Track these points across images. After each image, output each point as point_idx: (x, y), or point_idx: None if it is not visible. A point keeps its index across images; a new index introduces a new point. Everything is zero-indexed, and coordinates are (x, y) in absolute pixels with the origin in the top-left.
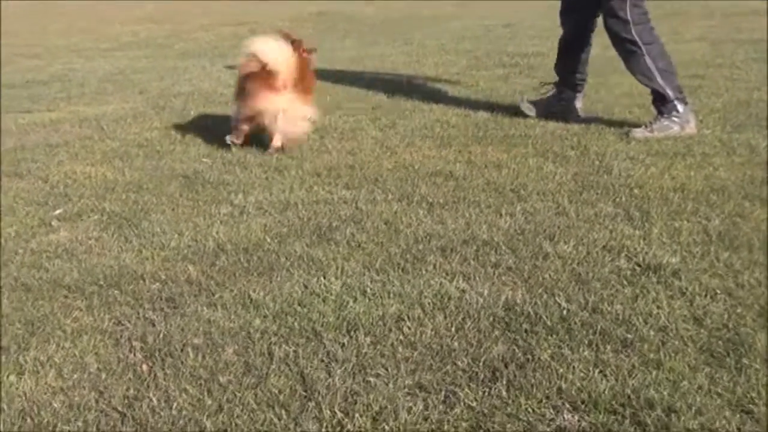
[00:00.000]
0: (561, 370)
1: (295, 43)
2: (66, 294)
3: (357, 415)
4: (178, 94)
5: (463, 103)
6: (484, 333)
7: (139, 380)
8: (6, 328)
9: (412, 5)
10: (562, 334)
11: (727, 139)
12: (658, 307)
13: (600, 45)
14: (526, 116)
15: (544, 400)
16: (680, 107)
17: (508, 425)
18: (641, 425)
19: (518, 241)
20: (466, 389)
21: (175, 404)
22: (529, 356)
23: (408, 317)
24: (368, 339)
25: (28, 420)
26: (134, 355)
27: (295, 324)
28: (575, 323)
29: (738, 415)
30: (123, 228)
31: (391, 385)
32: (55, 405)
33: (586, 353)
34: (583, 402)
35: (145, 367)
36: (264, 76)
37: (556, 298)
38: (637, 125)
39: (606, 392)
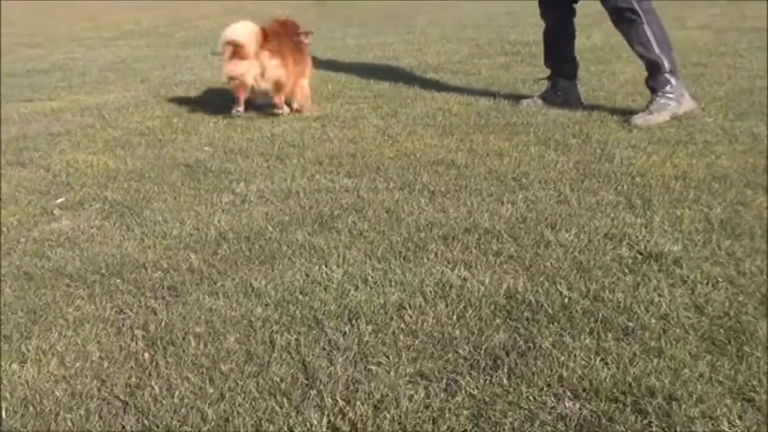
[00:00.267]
0: (562, 358)
1: (288, 27)
2: (68, 283)
3: (358, 403)
4: (180, 83)
5: (465, 92)
6: (485, 321)
7: (141, 369)
8: (8, 317)
9: None
10: (564, 322)
11: (730, 127)
12: (659, 295)
13: (602, 33)
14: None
15: (545, 388)
16: (672, 80)
17: (510, 413)
18: (642, 413)
19: (520, 229)
20: (468, 377)
21: (176, 392)
22: (531, 344)
23: (409, 305)
24: (370, 327)
25: (31, 408)
26: (136, 343)
27: (297, 312)
28: (577, 311)
29: (739, 403)
30: (125, 217)
31: (392, 373)
32: (58, 393)
33: (587, 341)
34: (584, 390)
35: (146, 355)
36: (236, 50)
37: (558, 286)
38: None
39: (607, 380)
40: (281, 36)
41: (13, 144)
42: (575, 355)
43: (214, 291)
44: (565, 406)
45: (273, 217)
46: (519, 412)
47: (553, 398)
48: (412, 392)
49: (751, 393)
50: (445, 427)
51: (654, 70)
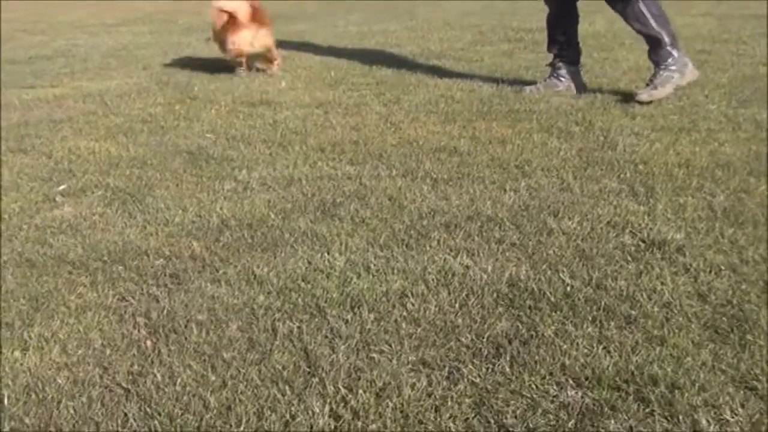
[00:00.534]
0: (565, 346)
1: None
2: (70, 270)
3: (360, 391)
4: (183, 69)
5: (467, 79)
6: (487, 309)
7: (143, 356)
8: (10, 304)
9: None
10: (566, 310)
11: (733, 115)
12: (662, 284)
13: (605, 19)
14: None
15: (547, 377)
16: (674, 52)
17: (512, 401)
18: (645, 402)
19: (522, 217)
20: (470, 365)
21: (179, 380)
22: (533, 332)
23: (412, 293)
24: (372, 315)
25: (33, 395)
26: (138, 331)
27: (299, 300)
28: (579, 299)
29: (742, 392)
30: (127, 204)
31: (394, 362)
32: (60, 381)
33: (589, 329)
34: (586, 378)
35: (149, 343)
36: (231, 22)
37: (560, 274)
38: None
39: (610, 369)
40: (256, 6)
41: (14, 130)
42: (578, 344)
43: (216, 278)
44: (567, 394)
45: (275, 205)
46: (521, 401)
47: (555, 387)
48: (414, 380)
49: (754, 381)
50: (448, 415)
51: (654, 44)
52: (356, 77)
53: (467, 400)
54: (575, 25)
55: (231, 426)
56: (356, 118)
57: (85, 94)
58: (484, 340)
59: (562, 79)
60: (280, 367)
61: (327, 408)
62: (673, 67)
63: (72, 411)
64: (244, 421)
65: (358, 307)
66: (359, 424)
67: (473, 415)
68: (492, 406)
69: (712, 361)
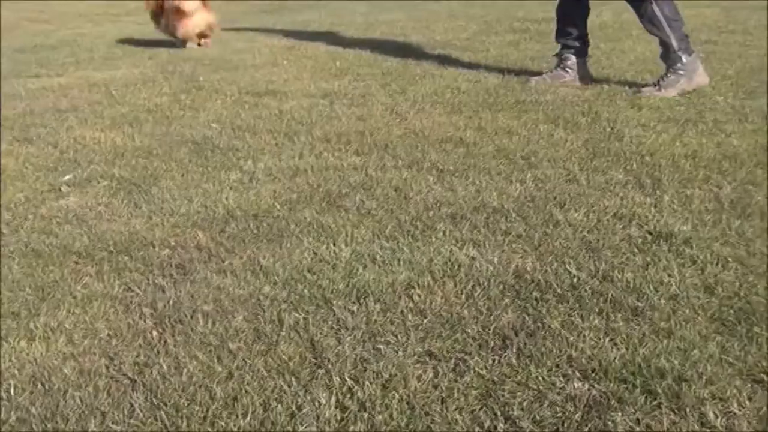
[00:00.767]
0: (571, 338)
1: None
2: (76, 260)
3: (367, 382)
4: (188, 60)
5: (473, 69)
6: (494, 301)
7: (149, 346)
8: (16, 294)
9: None
10: (573, 302)
11: (740, 106)
12: (669, 276)
13: (612, 10)
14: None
15: (554, 369)
16: (684, 58)
17: (518, 393)
18: (652, 394)
19: (528, 208)
20: (476, 357)
21: (185, 371)
22: (539, 324)
23: (418, 285)
24: (378, 306)
25: (39, 385)
26: (144, 321)
27: (305, 291)
28: (586, 291)
29: (749, 384)
30: (133, 194)
31: (400, 353)
32: (66, 371)
33: (596, 321)
34: (593, 370)
35: (155, 333)
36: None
37: (567, 266)
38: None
39: (616, 361)
40: None
41: (20, 120)
42: (584, 336)
43: (222, 269)
44: (573, 386)
45: (281, 195)
46: (528, 393)
47: (561, 379)
48: (420, 372)
49: (761, 374)
50: (454, 406)
51: (664, 47)
52: (362, 68)
53: (474, 392)
54: (585, 17)
55: (237, 417)
56: (362, 108)
57: (90, 84)
58: (491, 331)
59: (569, 70)
60: (286, 358)
61: (333, 399)
62: (681, 71)
63: (78, 401)
64: (250, 412)
65: (364, 299)
66: (365, 415)
67: (479, 406)
68: (498, 398)
69: (719, 353)
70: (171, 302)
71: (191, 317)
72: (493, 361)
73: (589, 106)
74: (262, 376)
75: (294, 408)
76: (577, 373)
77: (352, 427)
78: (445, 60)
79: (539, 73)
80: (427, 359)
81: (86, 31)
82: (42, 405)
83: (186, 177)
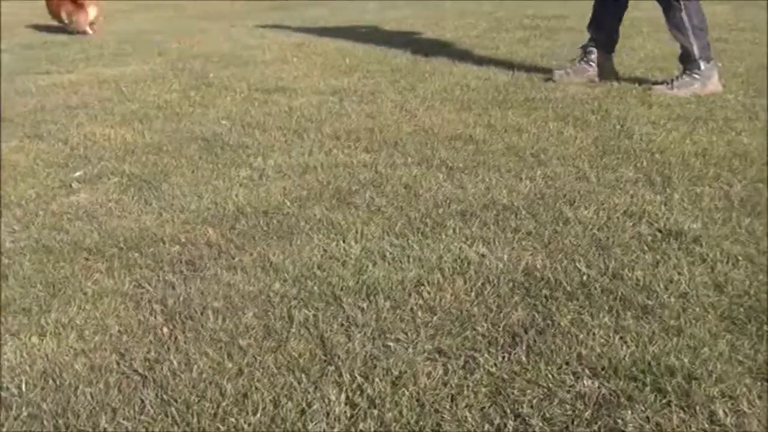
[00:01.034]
0: (581, 336)
1: None
2: (87, 256)
3: (377, 379)
4: (197, 56)
5: (483, 66)
6: (503, 298)
7: (160, 343)
8: (27, 290)
9: None
10: (582, 300)
11: (750, 104)
12: (678, 274)
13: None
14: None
15: (563, 366)
16: (702, 65)
17: (528, 391)
18: (662, 392)
19: (538, 205)
20: (486, 354)
21: (195, 367)
22: (549, 322)
23: (427, 282)
24: (388, 303)
25: (50, 381)
26: (155, 317)
27: (315, 288)
28: (595, 289)
29: (759, 383)
30: (143, 190)
31: (410, 350)
32: (77, 367)
33: (606, 319)
34: (603, 368)
35: (165, 329)
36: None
37: (576, 264)
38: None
39: (626, 359)
40: None
41: (31, 116)
42: (594, 334)
43: (232, 266)
44: (583, 384)
45: (291, 192)
46: (537, 390)
47: (571, 376)
48: (430, 369)
49: None
50: (464, 404)
51: (685, 52)
52: (371, 64)
53: (483, 389)
54: (620, 13)
55: (247, 413)
56: (371, 105)
57: (100, 81)
58: (500, 329)
59: (592, 63)
60: (297, 355)
61: (343, 396)
62: (697, 76)
63: (89, 397)
64: (260, 408)
65: (374, 296)
66: (375, 412)
67: (489, 404)
68: (508, 395)
69: (729, 351)
70: (181, 299)
71: (201, 314)
72: (503, 358)
73: (599, 104)
74: (272, 373)
75: (304, 405)
76: (587, 371)
77: (361, 424)
78: (454, 57)
79: (550, 71)
80: (437, 356)
81: (96, 27)
82: (53, 401)
83: (196, 174)
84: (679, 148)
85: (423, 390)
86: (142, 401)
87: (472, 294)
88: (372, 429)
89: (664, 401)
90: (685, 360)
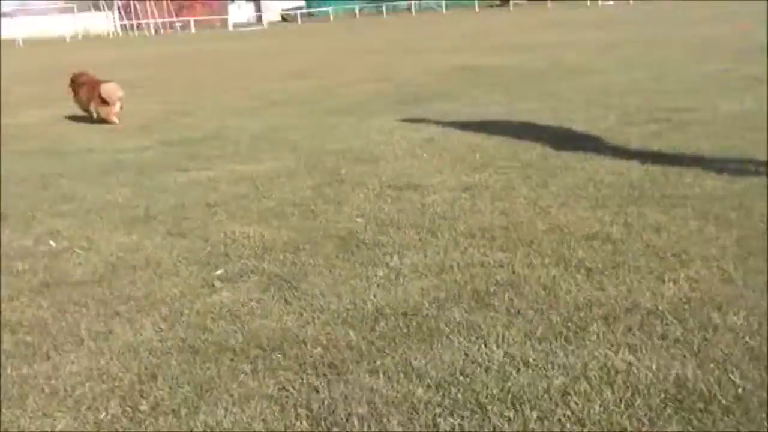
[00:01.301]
0: None
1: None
2: (232, 357)
3: None
4: (330, 153)
5: (615, 161)
6: (655, 411)
7: None
8: (176, 390)
9: (553, 55)
10: (739, 415)
11: None
12: None
13: (755, 97)
14: None
15: None
16: None
17: None
18: None
19: (684, 310)
20: None
21: None
22: None
23: (574, 391)
24: (534, 414)
25: None
26: (300, 422)
27: (459, 395)
28: (752, 403)
29: None
30: (283, 290)
31: None
32: None
33: None
34: None
35: None
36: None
37: (730, 375)
38: None
39: None
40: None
41: (172, 213)
42: None
43: (374, 369)
44: None
45: (428, 293)
46: None
47: None
48: None
49: None
50: None
51: None
52: (502, 160)
53: None
54: None
55: None
56: (504, 202)
57: (237, 177)
58: None
59: None
60: None
61: None
62: None
63: None
64: None
65: (520, 405)
66: None
67: None
68: None
69: None
70: (325, 403)
71: (346, 420)
72: None
73: (740, 201)
74: None
75: None
76: None
77: None
78: (585, 151)
79: (682, 166)
80: None
81: (231, 123)
82: None
83: (333, 273)
84: None
85: None
86: None
87: (622, 405)
88: None
89: None
90: None
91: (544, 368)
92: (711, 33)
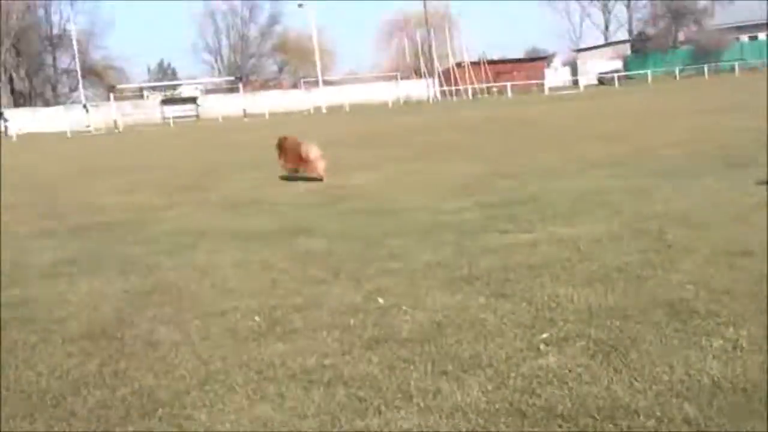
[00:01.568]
0: None
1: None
2: (560, 423)
3: None
4: (653, 217)
5: None
6: None
7: None
8: None
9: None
10: None
11: None
12: None
13: None
14: None
15: None
16: None
17: None
18: None
19: None
20: None
21: None
22: None
23: None
24: None
25: None
26: None
27: None
28: None
29: None
30: (611, 356)
31: None
32: None
33: None
34: None
35: None
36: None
37: None
38: None
39: None
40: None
41: (494, 274)
42: None
43: None
44: None
45: None
46: None
47: None
48: None
49: None
50: None
51: None
52: None
53: None
54: None
55: None
56: None
57: (558, 240)
58: None
59: None
60: None
61: None
62: None
63: None
64: None
65: None
66: None
67: None
68: None
69: None
70: None
71: None
72: None
73: None
74: None
75: None
76: None
77: None
78: None
79: None
80: None
81: (549, 185)
82: None
83: (664, 342)
84: None
85: None
86: None
87: None
88: None
89: None
90: None
91: None
92: None
